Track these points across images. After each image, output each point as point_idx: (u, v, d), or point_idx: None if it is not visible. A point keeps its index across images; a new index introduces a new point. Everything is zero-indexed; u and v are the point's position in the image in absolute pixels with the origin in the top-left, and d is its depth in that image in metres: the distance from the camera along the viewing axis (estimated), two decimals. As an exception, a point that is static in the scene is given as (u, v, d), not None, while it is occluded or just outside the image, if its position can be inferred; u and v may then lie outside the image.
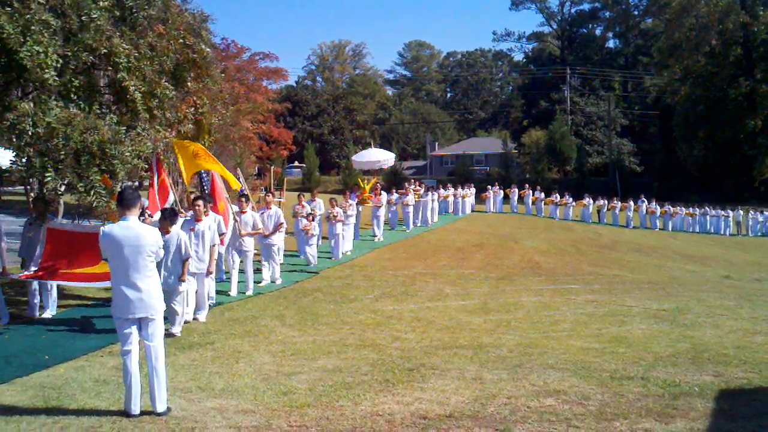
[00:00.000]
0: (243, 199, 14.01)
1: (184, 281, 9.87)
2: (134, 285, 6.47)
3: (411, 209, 26.77)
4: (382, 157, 30.08)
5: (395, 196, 27.54)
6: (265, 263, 14.81)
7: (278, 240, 15.55)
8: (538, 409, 6.54)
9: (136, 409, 6.45)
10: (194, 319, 10.84)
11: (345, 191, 23.06)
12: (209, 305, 11.59)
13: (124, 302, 6.47)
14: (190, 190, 15.27)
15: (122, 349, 6.59)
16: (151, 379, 6.54)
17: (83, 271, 10.42)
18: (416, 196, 27.71)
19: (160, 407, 6.49)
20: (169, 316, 9.61)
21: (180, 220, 10.56)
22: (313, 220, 17.67)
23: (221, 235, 11.70)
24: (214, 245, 11.09)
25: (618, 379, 7.58)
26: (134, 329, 6.56)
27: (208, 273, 11.11)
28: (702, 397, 6.87)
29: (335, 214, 18.37)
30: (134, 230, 6.47)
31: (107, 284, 10.49)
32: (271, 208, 15.08)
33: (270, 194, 15.69)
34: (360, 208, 23.25)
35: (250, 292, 13.49)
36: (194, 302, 10.86)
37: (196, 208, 10.98)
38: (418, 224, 27.84)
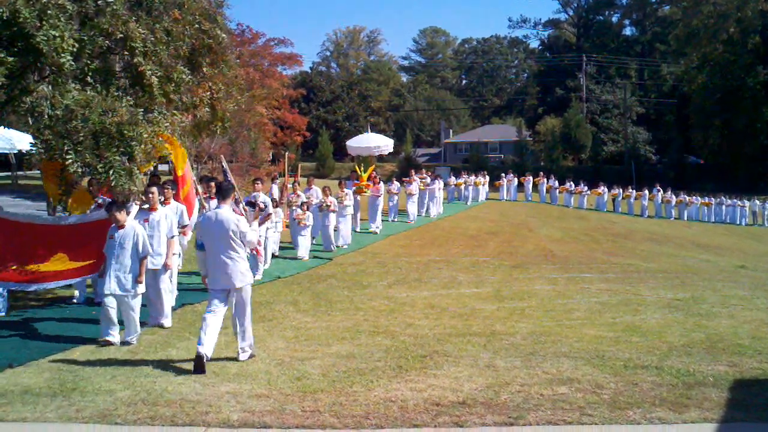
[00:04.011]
0: (212, 184, 12.60)
1: (141, 282, 8.80)
2: (223, 262, 7.69)
3: (415, 199, 25.24)
4: (381, 143, 28.19)
5: (395, 185, 25.53)
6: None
7: (264, 231, 14.13)
8: (551, 397, 6.53)
9: (207, 350, 7.50)
10: (159, 325, 9.67)
11: (340, 180, 21.39)
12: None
13: (216, 275, 7.77)
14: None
15: (207, 309, 7.80)
16: (236, 333, 7.90)
17: (36, 269, 9.45)
18: (422, 185, 26.55)
19: (242, 357, 7.86)
20: (126, 325, 8.76)
21: (134, 209, 9.67)
22: (307, 209, 16.61)
23: (184, 227, 10.72)
24: (172, 237, 9.94)
25: (632, 368, 7.56)
26: (221, 296, 7.79)
27: (166, 268, 9.88)
28: (716, 387, 6.84)
29: (328, 204, 17.37)
30: (224, 216, 7.74)
31: (62, 283, 9.88)
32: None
33: (258, 182, 14.52)
34: (358, 198, 21.54)
35: None
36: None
37: (150, 195, 9.79)
38: (423, 214, 26.67)
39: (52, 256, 9.53)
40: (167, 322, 9.73)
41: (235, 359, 7.90)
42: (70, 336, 9.05)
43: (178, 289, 11.31)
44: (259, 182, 14.45)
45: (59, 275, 9.50)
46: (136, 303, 8.79)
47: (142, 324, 9.16)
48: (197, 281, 12.18)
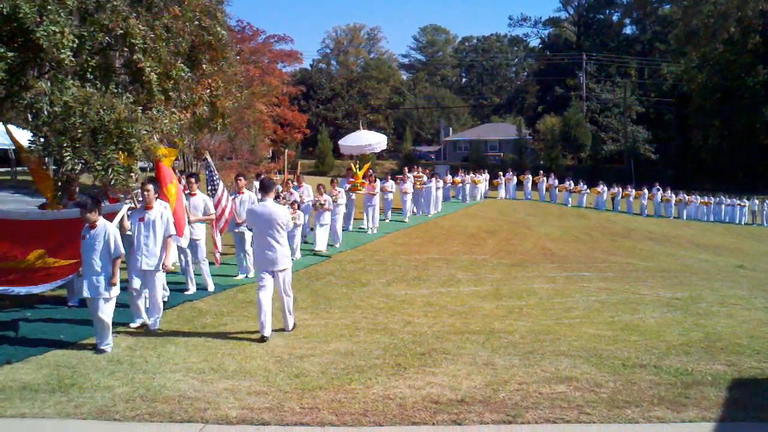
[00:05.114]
0: (192, 180, 12.25)
1: (114, 285, 8.30)
2: (270, 247, 8.95)
3: (409, 198, 24.73)
4: (373, 140, 26.09)
5: (390, 183, 24.57)
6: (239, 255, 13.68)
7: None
8: (549, 396, 6.54)
9: (267, 332, 8.81)
10: (143, 325, 9.42)
11: (332, 179, 20.77)
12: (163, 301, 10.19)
13: (263, 259, 9.02)
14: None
15: (258, 286, 8.96)
16: (283, 309, 9.22)
17: (12, 266, 8.98)
18: (419, 183, 26.27)
19: (290, 326, 9.31)
20: (97, 330, 8.28)
21: (124, 208, 9.50)
22: (298, 208, 15.73)
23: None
24: (169, 236, 9.54)
25: (630, 366, 7.57)
26: (268, 276, 8.96)
27: (163, 269, 9.52)
28: (715, 387, 6.85)
29: (322, 202, 16.63)
30: (269, 208, 9.01)
31: (48, 286, 9.33)
32: (243, 193, 13.52)
33: (241, 177, 13.93)
34: (353, 196, 21.12)
35: (210, 288, 12.02)
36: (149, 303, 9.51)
37: (146, 194, 9.42)
38: (419, 213, 26.40)
39: (30, 253, 9.07)
40: (154, 323, 9.40)
41: (261, 339, 8.76)
42: (62, 336, 8.92)
43: (170, 289, 11.25)
44: (241, 178, 13.90)
45: (42, 277, 9.11)
46: (109, 307, 8.27)
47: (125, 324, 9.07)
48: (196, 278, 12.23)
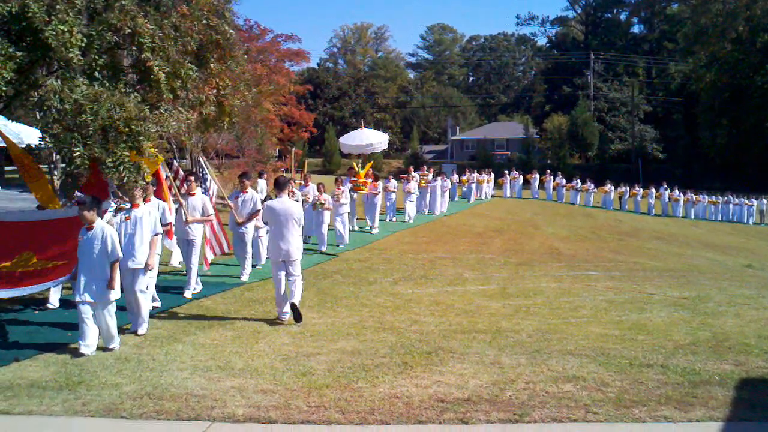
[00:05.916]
0: (192, 179, 11.97)
1: (113, 288, 8.16)
2: (285, 239, 9.70)
3: (413, 197, 24.47)
4: (374, 140, 25.84)
5: (393, 182, 24.56)
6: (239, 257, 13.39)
7: (252, 229, 13.60)
8: (556, 395, 6.53)
9: (285, 308, 9.77)
10: (133, 332, 9.03)
11: (337, 177, 20.44)
12: (154, 308, 10.12)
13: (278, 250, 9.75)
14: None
15: (275, 273, 9.86)
16: (291, 287, 9.83)
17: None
18: (423, 181, 26.08)
19: (297, 298, 9.72)
20: (102, 333, 8.21)
21: (111, 209, 9.49)
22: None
23: (166, 224, 10.17)
24: (156, 235, 9.31)
25: (637, 366, 7.56)
26: (282, 265, 9.77)
27: (147, 268, 9.15)
28: (722, 386, 6.84)
29: (322, 201, 16.47)
30: (285, 204, 9.84)
31: (28, 290, 8.94)
32: (246, 192, 13.17)
33: (244, 177, 13.61)
34: (355, 195, 20.45)
35: (188, 294, 11.46)
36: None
37: (132, 192, 9.31)
38: (426, 212, 26.36)
39: (17, 255, 8.73)
40: (142, 329, 9.02)
41: (285, 321, 9.58)
42: (70, 334, 8.79)
43: (173, 290, 11.26)
44: (245, 179, 13.56)
45: (29, 280, 8.76)
46: (111, 309, 8.18)
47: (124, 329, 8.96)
48: (202, 277, 12.26)
